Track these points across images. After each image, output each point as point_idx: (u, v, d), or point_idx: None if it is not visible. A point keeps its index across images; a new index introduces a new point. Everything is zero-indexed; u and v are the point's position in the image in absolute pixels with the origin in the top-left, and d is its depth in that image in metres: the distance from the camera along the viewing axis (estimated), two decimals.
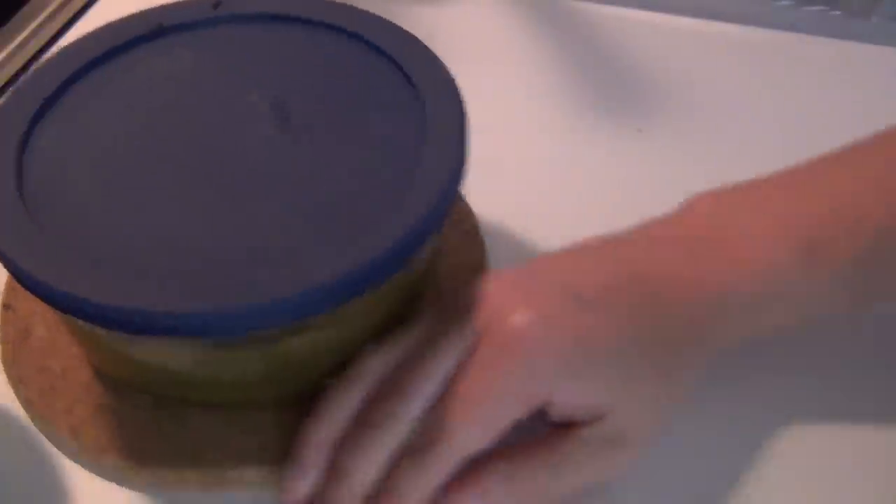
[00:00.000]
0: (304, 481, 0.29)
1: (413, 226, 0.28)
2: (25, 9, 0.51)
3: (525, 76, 0.47)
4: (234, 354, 0.29)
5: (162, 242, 0.28)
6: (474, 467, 0.28)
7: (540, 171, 0.42)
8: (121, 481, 0.31)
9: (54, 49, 0.49)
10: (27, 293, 0.29)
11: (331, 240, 0.28)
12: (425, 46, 0.33)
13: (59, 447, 0.32)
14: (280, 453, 0.30)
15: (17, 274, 0.28)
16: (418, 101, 0.31)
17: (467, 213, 0.37)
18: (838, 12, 0.49)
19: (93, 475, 0.30)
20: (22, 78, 0.36)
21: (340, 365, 0.31)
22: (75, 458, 0.31)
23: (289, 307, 0.27)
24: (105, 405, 0.32)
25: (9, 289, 0.34)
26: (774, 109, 0.45)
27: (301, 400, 0.31)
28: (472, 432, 0.28)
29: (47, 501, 0.30)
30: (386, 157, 0.30)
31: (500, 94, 0.46)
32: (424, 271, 0.33)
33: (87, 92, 0.32)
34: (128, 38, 0.33)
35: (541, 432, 0.29)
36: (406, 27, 0.34)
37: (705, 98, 0.46)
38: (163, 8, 0.35)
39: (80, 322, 0.28)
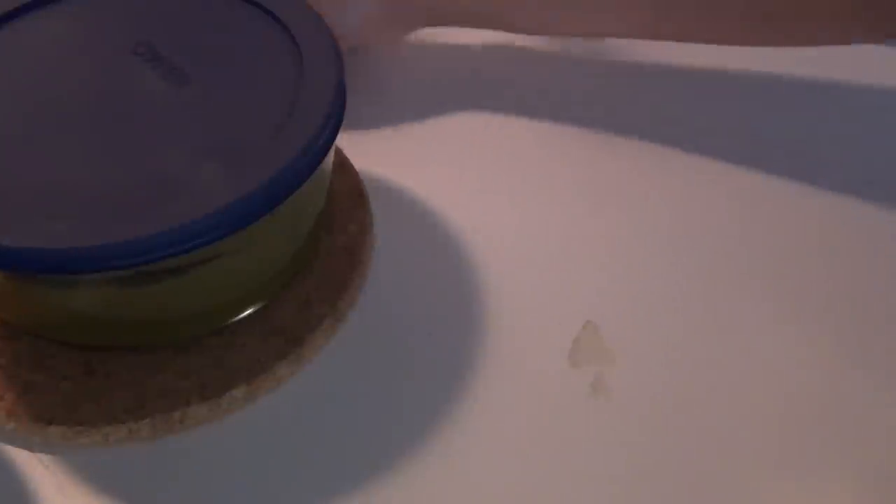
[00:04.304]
0: None
1: (287, 164, 0.30)
2: None
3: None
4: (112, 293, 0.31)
5: (56, 185, 0.30)
6: None
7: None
8: (72, 449, 0.32)
9: None
10: None
11: (208, 176, 0.30)
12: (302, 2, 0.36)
13: None
14: (221, 387, 0.32)
15: None
16: (295, 47, 0.34)
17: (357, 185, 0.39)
18: None
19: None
20: None
21: (225, 308, 0.33)
22: (20, 437, 0.32)
23: (155, 243, 0.29)
24: (34, 382, 0.32)
25: None
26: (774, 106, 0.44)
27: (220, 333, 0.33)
28: None
29: None
30: (265, 96, 0.33)
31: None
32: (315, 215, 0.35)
33: None
34: (18, 4, 0.35)
35: None
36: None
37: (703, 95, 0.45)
38: None
39: None
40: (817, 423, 0.32)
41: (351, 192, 0.38)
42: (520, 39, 0.47)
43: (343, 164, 0.39)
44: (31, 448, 0.32)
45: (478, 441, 0.32)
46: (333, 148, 0.33)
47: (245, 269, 0.33)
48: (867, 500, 0.31)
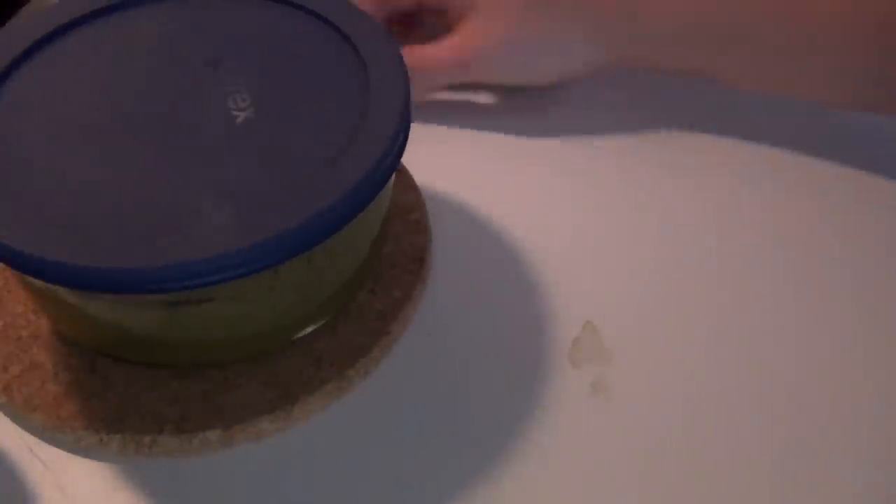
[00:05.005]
0: None
1: (333, 205, 0.29)
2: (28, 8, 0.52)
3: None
4: (147, 314, 0.30)
5: (100, 202, 0.29)
6: None
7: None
8: (48, 440, 0.32)
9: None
10: None
11: (248, 209, 0.29)
12: (370, 17, 0.34)
13: None
14: (199, 424, 0.31)
15: None
16: (363, 72, 0.32)
17: (418, 204, 0.37)
18: None
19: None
20: None
21: (257, 336, 0.32)
22: (7, 414, 0.32)
23: (182, 272, 0.27)
24: (39, 364, 0.33)
25: None
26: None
27: (224, 368, 0.32)
28: None
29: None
30: (326, 127, 0.31)
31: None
32: (364, 254, 0.34)
33: (41, 64, 0.33)
34: (79, 14, 0.35)
35: None
36: None
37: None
38: None
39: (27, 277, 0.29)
40: (817, 422, 0.32)
41: (413, 252, 0.36)
42: None
43: (419, 222, 0.37)
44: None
45: (478, 441, 0.32)
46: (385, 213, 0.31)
47: (257, 314, 0.31)
48: (868, 499, 0.30)
